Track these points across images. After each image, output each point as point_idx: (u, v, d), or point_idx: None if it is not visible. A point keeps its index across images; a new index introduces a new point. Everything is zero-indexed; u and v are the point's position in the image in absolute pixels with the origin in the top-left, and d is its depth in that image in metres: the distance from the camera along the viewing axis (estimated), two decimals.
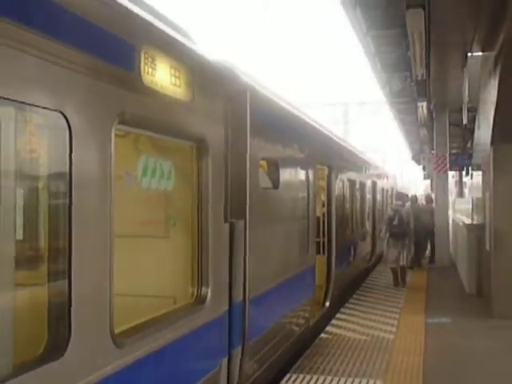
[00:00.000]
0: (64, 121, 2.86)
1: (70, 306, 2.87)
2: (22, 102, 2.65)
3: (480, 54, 10.84)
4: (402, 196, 15.35)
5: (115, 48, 3.34)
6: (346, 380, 6.50)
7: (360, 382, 6.45)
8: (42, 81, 2.74)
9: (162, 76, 3.83)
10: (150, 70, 3.68)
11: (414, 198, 18.66)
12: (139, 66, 3.56)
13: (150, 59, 3.67)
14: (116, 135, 3.30)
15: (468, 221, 16.32)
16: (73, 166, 2.88)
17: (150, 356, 3.61)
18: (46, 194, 3.02)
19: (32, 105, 2.71)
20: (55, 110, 2.82)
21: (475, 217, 15.14)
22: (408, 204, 15.99)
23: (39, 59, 2.70)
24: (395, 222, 13.25)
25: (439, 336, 8.63)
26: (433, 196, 19.16)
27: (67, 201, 2.88)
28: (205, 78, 4.64)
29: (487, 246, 10.69)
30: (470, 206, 17.89)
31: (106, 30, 3.25)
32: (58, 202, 2.98)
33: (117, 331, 3.29)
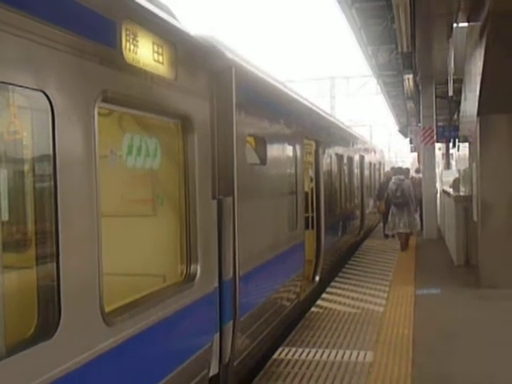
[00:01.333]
0: (46, 100, 2.82)
1: (59, 286, 2.86)
2: (2, 82, 2.61)
3: (466, 24, 10.80)
4: (402, 171, 16.20)
5: (96, 24, 3.29)
6: (337, 352, 6.57)
7: (351, 353, 6.52)
8: (22, 59, 2.70)
9: (144, 53, 3.78)
10: (132, 46, 3.63)
11: (407, 171, 19.11)
12: (121, 43, 3.51)
13: (131, 36, 3.62)
14: (99, 114, 3.27)
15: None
16: (56, 146, 2.85)
17: (141, 334, 3.63)
18: (30, 174, 2.99)
19: (13, 84, 2.67)
20: (37, 90, 2.78)
21: (462, 188, 15.27)
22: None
23: (19, 37, 2.66)
24: (398, 194, 14.66)
25: (428, 307, 8.73)
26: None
27: (52, 181, 2.85)
28: (189, 54, 4.59)
29: (474, 217, 10.77)
30: (458, 178, 17.99)
31: (87, 6, 3.19)
32: (42, 183, 2.95)
33: (107, 310, 3.29)
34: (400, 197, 14.65)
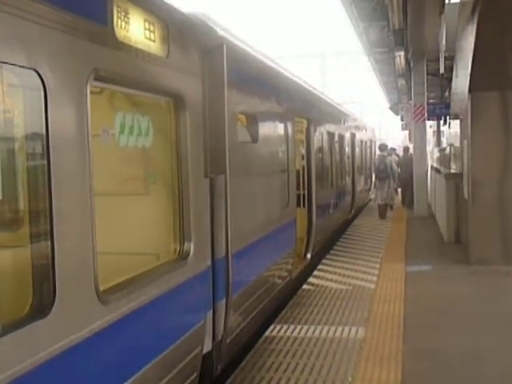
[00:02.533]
0: (38, 79, 2.79)
1: (53, 264, 2.86)
2: None
3: (458, 0, 10.76)
4: (385, 147, 17.62)
5: (88, 1, 3.25)
6: (329, 329, 6.64)
7: (343, 330, 6.59)
8: (14, 38, 2.66)
9: (136, 30, 3.74)
10: (124, 24, 3.59)
11: (406, 149, 20.93)
12: (112, 20, 3.47)
13: (123, 13, 3.58)
14: (91, 92, 3.24)
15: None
16: (49, 125, 2.83)
17: (135, 312, 3.64)
18: (23, 154, 2.97)
19: (4, 62, 2.64)
20: (29, 68, 2.75)
21: (453, 166, 15.34)
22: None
23: (10, 15, 2.62)
24: (381, 168, 16.47)
25: (419, 283, 8.81)
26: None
27: (45, 160, 2.84)
28: (180, 31, 4.55)
29: (465, 194, 10.83)
30: (445, 155, 18.06)
31: None
32: (35, 162, 2.94)
33: (102, 289, 3.30)
34: (382, 171, 16.35)
